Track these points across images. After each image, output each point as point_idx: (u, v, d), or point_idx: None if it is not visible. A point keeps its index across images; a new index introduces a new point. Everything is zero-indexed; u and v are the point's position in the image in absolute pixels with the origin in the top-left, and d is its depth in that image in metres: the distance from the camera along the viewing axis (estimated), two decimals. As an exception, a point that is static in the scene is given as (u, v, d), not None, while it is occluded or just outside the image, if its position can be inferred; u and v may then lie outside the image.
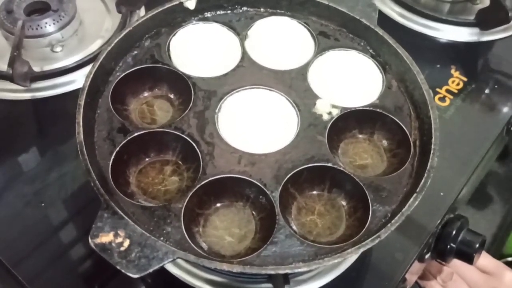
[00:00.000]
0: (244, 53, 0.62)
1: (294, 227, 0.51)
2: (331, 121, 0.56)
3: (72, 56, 0.77)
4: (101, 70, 0.56)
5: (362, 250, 0.46)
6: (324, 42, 0.64)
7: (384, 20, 0.83)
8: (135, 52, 0.60)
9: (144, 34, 0.61)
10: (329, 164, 0.53)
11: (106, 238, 0.44)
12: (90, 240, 0.44)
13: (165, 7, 0.61)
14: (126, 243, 0.44)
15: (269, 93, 0.59)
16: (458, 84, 0.80)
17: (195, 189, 0.50)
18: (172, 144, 0.55)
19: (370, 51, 0.63)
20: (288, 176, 0.52)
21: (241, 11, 0.66)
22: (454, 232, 0.66)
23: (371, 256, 0.63)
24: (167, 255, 0.44)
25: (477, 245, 0.65)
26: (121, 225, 0.45)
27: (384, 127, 0.58)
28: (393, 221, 0.47)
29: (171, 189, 0.53)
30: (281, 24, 0.65)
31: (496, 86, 0.81)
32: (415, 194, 0.48)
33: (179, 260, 0.55)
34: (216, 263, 0.44)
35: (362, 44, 0.64)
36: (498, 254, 0.92)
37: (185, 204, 0.49)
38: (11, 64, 0.68)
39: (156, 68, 0.59)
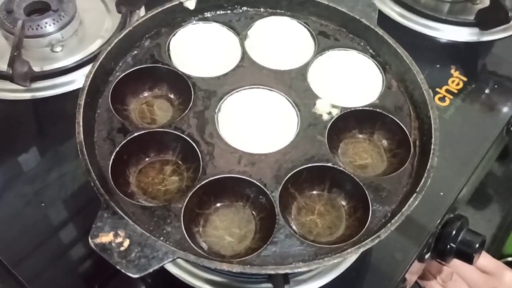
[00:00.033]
0: (244, 53, 0.62)
1: (294, 227, 0.51)
2: (331, 121, 0.56)
3: (72, 56, 0.77)
4: (101, 70, 0.56)
5: (362, 250, 0.46)
6: (324, 42, 0.64)
7: (384, 20, 0.83)
8: (135, 52, 0.60)
9: (144, 34, 0.61)
10: (329, 164, 0.53)
11: (106, 238, 0.44)
12: (90, 240, 0.44)
13: (165, 7, 0.61)
14: (126, 243, 0.44)
15: (269, 93, 0.59)
16: (458, 84, 0.80)
17: (195, 189, 0.50)
18: (172, 144, 0.55)
19: (370, 51, 0.63)
20: (288, 176, 0.52)
21: (241, 11, 0.66)
22: (454, 232, 0.66)
23: (371, 256, 0.63)
24: (167, 255, 0.44)
25: (477, 245, 0.65)
26: (121, 225, 0.45)
27: (384, 127, 0.58)
28: (393, 221, 0.47)
29: (171, 189, 0.53)
30: (281, 24, 0.65)
31: (496, 86, 0.81)
32: (415, 194, 0.48)
33: (179, 260, 0.55)
34: (216, 263, 0.44)
35: (362, 44, 0.64)
36: (498, 254, 0.92)
37: (185, 204, 0.49)
38: (11, 64, 0.68)
39: (156, 68, 0.59)
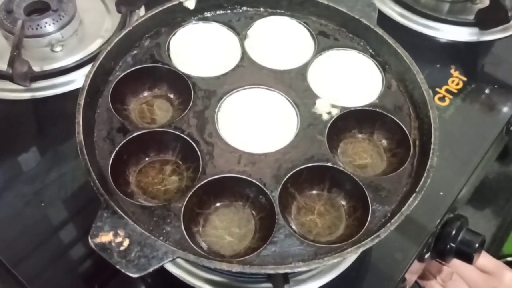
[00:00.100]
0: (244, 53, 0.62)
1: (293, 227, 0.51)
2: (331, 121, 0.56)
3: (72, 56, 0.77)
4: (101, 70, 0.56)
5: (361, 249, 0.46)
6: (324, 41, 0.64)
7: (384, 19, 0.83)
8: (135, 51, 0.60)
9: (143, 33, 0.61)
10: (329, 164, 0.53)
11: (105, 237, 0.44)
12: (89, 240, 0.44)
13: (165, 6, 0.61)
14: (126, 242, 0.44)
15: (268, 93, 0.59)
16: (457, 84, 0.80)
17: (194, 189, 0.50)
18: (171, 144, 0.55)
19: (370, 50, 0.63)
20: (287, 176, 0.52)
21: (240, 10, 0.66)
22: (453, 232, 0.66)
23: (370, 255, 0.63)
24: (167, 254, 0.44)
25: (477, 245, 0.65)
26: (120, 224, 0.45)
27: (383, 127, 0.58)
28: (392, 221, 0.47)
29: (171, 189, 0.53)
30: (280, 24, 0.65)
31: (495, 86, 0.81)
32: (414, 194, 0.48)
33: (178, 260, 0.55)
34: (215, 262, 0.44)
35: (361, 43, 0.64)
36: (497, 254, 0.92)
37: (184, 203, 0.49)
38: (11, 63, 0.68)
39: (155, 68, 0.59)
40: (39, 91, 0.74)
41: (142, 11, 0.84)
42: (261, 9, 0.66)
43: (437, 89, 0.78)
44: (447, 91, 0.79)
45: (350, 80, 0.61)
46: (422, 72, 0.57)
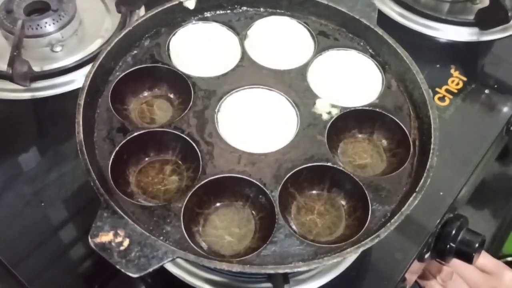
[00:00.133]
0: (244, 53, 0.62)
1: (293, 227, 0.51)
2: (331, 121, 0.56)
3: (72, 56, 0.77)
4: (101, 70, 0.56)
5: (361, 249, 0.46)
6: (324, 41, 0.64)
7: (384, 19, 0.83)
8: (135, 51, 0.60)
9: (143, 33, 0.61)
10: (329, 164, 0.53)
11: (105, 237, 0.44)
12: (89, 240, 0.44)
13: (165, 6, 0.61)
14: (126, 242, 0.44)
15: (268, 93, 0.59)
16: (457, 84, 0.80)
17: (194, 189, 0.50)
18: (171, 144, 0.55)
19: (370, 50, 0.63)
20: (287, 176, 0.52)
21: (240, 10, 0.66)
22: (453, 232, 0.66)
23: (370, 255, 0.63)
24: (167, 254, 0.44)
25: (477, 245, 0.65)
26: (120, 224, 0.45)
27: (383, 127, 0.58)
28: (392, 221, 0.47)
29: (171, 189, 0.53)
30: (280, 24, 0.65)
31: (495, 86, 0.81)
32: (414, 194, 0.48)
33: (178, 260, 0.55)
34: (215, 262, 0.44)
35: (361, 43, 0.64)
36: (497, 254, 0.92)
37: (184, 203, 0.49)
38: (11, 63, 0.69)
39: (155, 68, 0.59)
40: (39, 91, 0.74)
41: (142, 11, 0.84)
42: (261, 9, 0.66)
43: (437, 89, 0.78)
44: (447, 91, 0.79)
45: (350, 80, 0.61)
46: (422, 72, 0.57)
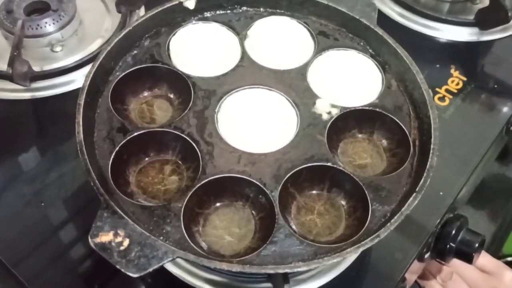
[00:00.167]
0: (244, 53, 0.62)
1: (293, 227, 0.51)
2: (331, 121, 0.56)
3: (72, 56, 0.78)
4: (101, 70, 0.56)
5: (361, 249, 0.46)
6: (324, 41, 0.64)
7: (384, 19, 0.83)
8: (135, 51, 0.60)
9: (143, 33, 0.61)
10: (329, 164, 0.53)
11: (105, 237, 0.44)
12: (89, 240, 0.44)
13: (165, 6, 0.61)
14: (126, 242, 0.44)
15: (268, 93, 0.59)
16: (457, 84, 0.80)
17: (194, 189, 0.50)
18: (171, 144, 0.55)
19: (370, 50, 0.63)
20: (287, 176, 0.52)
21: (240, 10, 0.66)
22: (453, 232, 0.66)
23: (370, 255, 0.63)
24: (167, 254, 0.44)
25: (477, 245, 0.65)
26: (120, 224, 0.45)
27: (383, 127, 0.58)
28: (392, 221, 0.47)
29: (171, 189, 0.53)
30: (280, 24, 0.65)
31: (495, 86, 0.81)
32: (414, 194, 0.48)
33: (178, 260, 0.55)
34: (215, 262, 0.44)
35: (361, 43, 0.64)
36: (497, 254, 0.92)
37: (184, 203, 0.49)
38: (11, 63, 0.69)
39: (155, 68, 0.59)
40: (39, 91, 0.74)
41: (142, 11, 0.84)
42: (261, 9, 0.66)
43: (437, 89, 0.78)
44: (447, 91, 0.79)
45: (350, 80, 0.61)
46: (422, 72, 0.57)
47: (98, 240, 0.44)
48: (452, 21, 0.86)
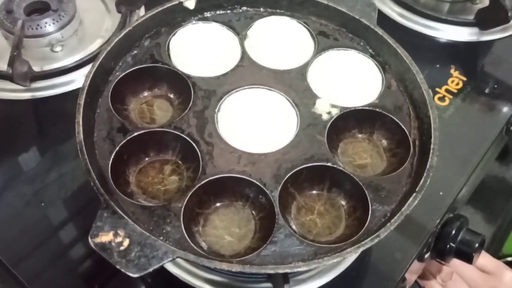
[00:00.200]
0: (244, 53, 0.62)
1: (293, 227, 0.51)
2: (331, 121, 0.56)
3: (72, 56, 0.78)
4: (101, 70, 0.56)
5: (361, 249, 0.46)
6: (324, 41, 0.64)
7: (384, 19, 0.83)
8: (135, 51, 0.60)
9: (143, 33, 0.61)
10: (329, 164, 0.53)
11: (105, 237, 0.44)
12: (90, 240, 0.44)
13: (165, 6, 0.61)
14: (126, 242, 0.44)
15: (268, 93, 0.59)
16: (457, 84, 0.80)
17: (194, 189, 0.50)
18: (171, 144, 0.55)
19: (370, 50, 0.63)
20: (287, 176, 0.52)
21: (240, 11, 0.66)
22: (453, 232, 0.66)
23: (370, 255, 0.63)
24: (167, 254, 0.44)
25: (477, 245, 0.65)
26: (120, 224, 0.45)
27: (383, 127, 0.58)
28: (392, 221, 0.47)
29: (171, 189, 0.53)
30: (280, 24, 0.65)
31: (495, 86, 0.81)
32: (414, 194, 0.48)
33: (178, 260, 0.55)
34: (215, 262, 0.44)
35: (361, 43, 0.64)
36: (497, 254, 0.92)
37: (184, 203, 0.49)
38: (11, 63, 0.69)
39: (155, 68, 0.59)
40: (39, 91, 0.74)
41: (142, 11, 0.84)
42: (261, 9, 0.66)
43: (437, 89, 0.78)
44: (447, 91, 0.79)
45: (350, 80, 0.61)
46: (422, 72, 0.57)
47: (98, 240, 0.44)
48: (452, 21, 0.86)
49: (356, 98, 0.59)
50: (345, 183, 0.53)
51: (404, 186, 0.52)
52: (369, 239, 0.46)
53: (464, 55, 0.85)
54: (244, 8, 0.66)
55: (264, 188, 0.51)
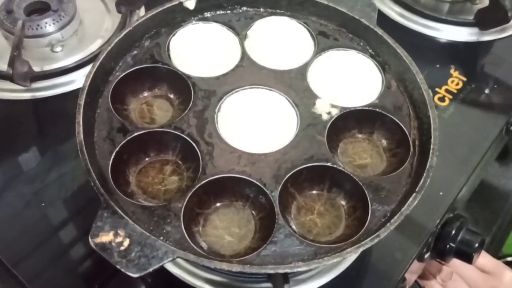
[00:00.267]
0: (244, 53, 0.62)
1: (293, 227, 0.51)
2: (331, 121, 0.56)
3: (72, 56, 0.78)
4: (101, 70, 0.56)
5: (361, 249, 0.46)
6: (324, 42, 0.64)
7: (384, 20, 0.83)
8: (135, 52, 0.60)
9: (144, 34, 0.61)
10: (329, 164, 0.53)
11: (106, 237, 0.44)
12: (90, 240, 0.44)
13: (165, 7, 0.61)
14: (126, 242, 0.44)
15: (268, 93, 0.59)
16: (457, 84, 0.80)
17: (194, 189, 0.50)
18: (172, 144, 0.55)
19: (370, 51, 0.63)
20: (287, 176, 0.52)
21: (240, 11, 0.66)
22: (453, 232, 0.66)
23: (370, 255, 0.63)
24: (167, 254, 0.44)
25: (477, 245, 0.65)
26: (121, 224, 0.45)
27: (383, 127, 0.58)
28: (392, 221, 0.47)
29: (171, 189, 0.53)
30: (280, 24, 0.65)
31: (495, 86, 0.81)
32: (414, 194, 0.48)
33: (179, 260, 0.55)
34: (215, 262, 0.44)
35: (361, 44, 0.64)
36: (497, 254, 0.92)
37: (184, 203, 0.49)
38: (11, 64, 0.69)
39: (155, 68, 0.59)
40: (39, 91, 0.74)
41: (142, 11, 0.84)
42: (261, 9, 0.66)
43: (437, 89, 0.78)
44: (447, 91, 0.79)
45: (350, 80, 0.61)
46: (422, 72, 0.57)
47: (98, 240, 0.44)
48: (452, 21, 0.86)
49: (356, 98, 0.59)
50: (345, 183, 0.53)
51: (404, 186, 0.52)
52: (369, 239, 0.46)
53: (464, 55, 0.85)
54: (244, 8, 0.66)
55: (264, 188, 0.51)
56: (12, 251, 0.61)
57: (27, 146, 0.71)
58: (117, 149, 0.52)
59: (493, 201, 0.96)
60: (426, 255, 0.67)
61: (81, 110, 0.51)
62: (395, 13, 0.89)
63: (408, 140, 0.55)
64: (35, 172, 0.68)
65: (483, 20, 0.85)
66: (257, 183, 0.51)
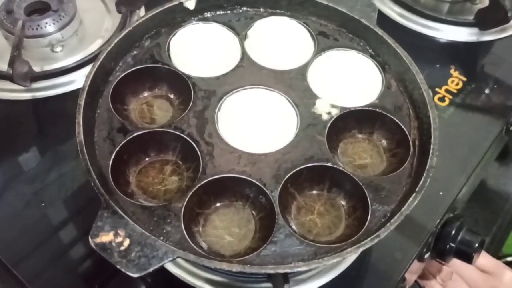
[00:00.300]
0: (244, 53, 0.62)
1: (293, 227, 0.51)
2: (331, 121, 0.56)
3: (72, 56, 0.78)
4: (101, 70, 0.56)
5: (361, 249, 0.46)
6: (324, 42, 0.64)
7: (384, 20, 0.83)
8: (135, 52, 0.60)
9: (144, 34, 0.61)
10: (329, 164, 0.53)
11: (106, 237, 0.44)
12: (90, 240, 0.44)
13: (165, 7, 0.61)
14: (126, 242, 0.44)
15: (268, 93, 0.59)
16: (457, 84, 0.80)
17: (195, 189, 0.50)
18: (172, 144, 0.55)
19: (370, 51, 0.63)
20: (287, 176, 0.52)
21: (240, 11, 0.66)
22: (453, 232, 0.66)
23: (370, 255, 0.63)
24: (167, 254, 0.44)
25: (477, 245, 0.65)
26: (121, 224, 0.45)
27: (383, 127, 0.58)
28: (392, 221, 0.47)
29: (171, 189, 0.53)
30: (280, 24, 0.65)
31: (495, 86, 0.81)
32: (414, 194, 0.49)
33: (179, 260, 0.55)
34: (215, 262, 0.44)
35: (361, 44, 0.64)
36: (497, 254, 0.92)
37: (185, 203, 0.49)
38: (11, 64, 0.69)
39: (156, 68, 0.59)
40: (40, 91, 0.74)
41: (142, 11, 0.84)
42: (261, 9, 0.66)
43: (437, 89, 0.78)
44: (447, 91, 0.79)
45: (349, 80, 0.61)
46: (422, 72, 0.57)
47: (98, 240, 0.44)
48: (451, 21, 0.87)
49: (356, 98, 0.59)
50: (345, 183, 0.53)
51: (404, 186, 0.52)
52: (369, 239, 0.46)
53: (464, 55, 0.86)
54: (244, 8, 0.66)
55: (264, 188, 0.51)
56: (12, 251, 0.61)
57: (27, 146, 0.71)
58: (117, 149, 0.52)
59: (493, 201, 0.96)
60: (426, 255, 0.67)
61: (81, 110, 0.51)
62: (395, 13, 0.89)
63: (408, 140, 0.55)
64: (35, 172, 0.68)
65: (483, 20, 0.85)
66: (257, 183, 0.51)
